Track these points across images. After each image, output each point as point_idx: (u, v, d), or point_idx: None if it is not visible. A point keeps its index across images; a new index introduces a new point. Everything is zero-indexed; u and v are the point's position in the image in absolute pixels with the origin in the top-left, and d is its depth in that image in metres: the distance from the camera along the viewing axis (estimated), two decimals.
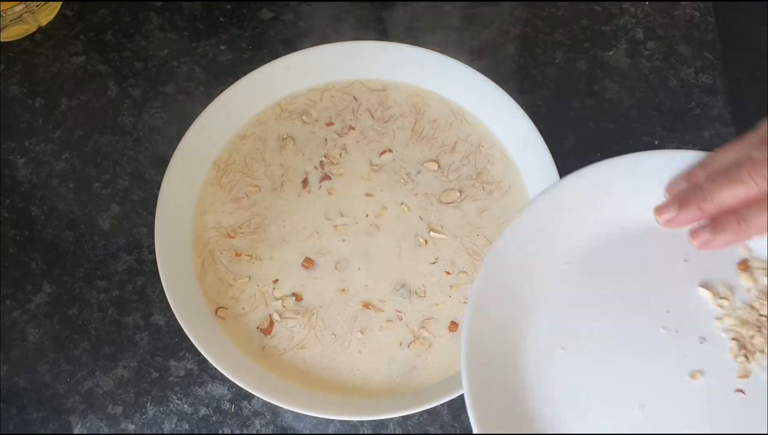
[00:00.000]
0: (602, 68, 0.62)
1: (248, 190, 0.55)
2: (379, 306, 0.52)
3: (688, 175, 0.42)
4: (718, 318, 0.42)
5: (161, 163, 0.55)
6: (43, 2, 0.62)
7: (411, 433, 0.51)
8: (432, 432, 0.51)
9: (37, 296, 0.55)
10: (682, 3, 0.65)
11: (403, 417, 0.51)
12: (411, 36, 0.63)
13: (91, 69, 0.63)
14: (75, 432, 0.52)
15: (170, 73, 0.62)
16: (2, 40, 0.63)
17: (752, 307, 0.42)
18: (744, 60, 0.62)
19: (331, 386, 0.50)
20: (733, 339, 0.41)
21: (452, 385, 0.48)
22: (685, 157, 0.43)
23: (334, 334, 0.51)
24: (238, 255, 0.53)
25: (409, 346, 0.51)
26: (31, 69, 0.63)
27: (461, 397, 0.49)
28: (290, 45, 0.63)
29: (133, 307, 0.55)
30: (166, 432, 0.51)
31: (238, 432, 0.51)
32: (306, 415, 0.50)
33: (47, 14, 0.64)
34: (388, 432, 0.51)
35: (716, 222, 0.41)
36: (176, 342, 0.54)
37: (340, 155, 0.56)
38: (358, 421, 0.51)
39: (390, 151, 0.57)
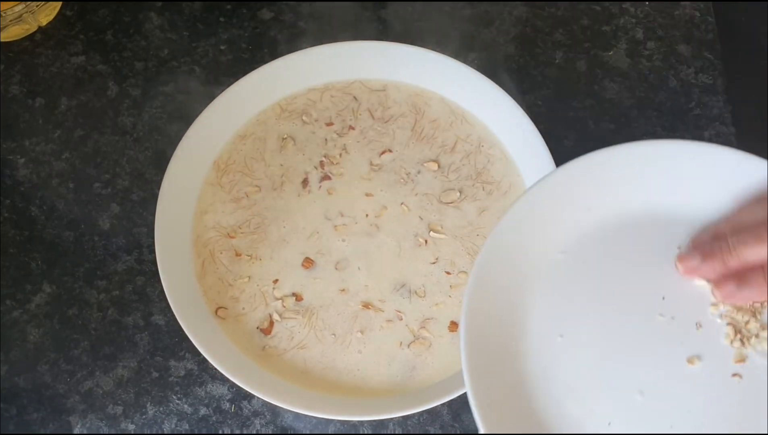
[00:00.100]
0: (602, 68, 0.62)
1: (248, 190, 0.55)
2: (379, 306, 0.52)
3: (715, 229, 0.42)
4: (714, 304, 0.42)
5: (161, 163, 0.55)
6: (43, 2, 0.62)
7: (411, 433, 0.51)
8: (432, 432, 0.51)
9: (37, 296, 0.55)
10: (682, 3, 0.65)
11: (403, 417, 0.51)
12: (411, 36, 0.63)
13: (91, 69, 0.63)
14: (75, 432, 0.52)
15: (170, 73, 0.62)
16: (2, 40, 0.63)
17: None
18: (744, 60, 0.62)
19: (331, 386, 0.50)
20: (729, 324, 0.41)
21: (452, 385, 0.48)
22: (678, 147, 0.44)
23: (334, 334, 0.51)
24: (238, 255, 0.53)
25: (409, 346, 0.51)
26: (31, 69, 0.63)
27: (461, 397, 0.49)
28: (290, 45, 0.63)
29: (133, 307, 0.55)
30: (166, 432, 0.51)
31: (238, 432, 0.51)
32: (306, 415, 0.50)
33: (47, 14, 0.64)
34: (388, 432, 0.51)
35: (742, 276, 0.41)
36: (176, 342, 0.54)
37: (340, 155, 0.56)
38: (358, 421, 0.51)
39: (390, 151, 0.57)
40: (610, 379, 0.41)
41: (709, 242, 0.41)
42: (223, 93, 0.56)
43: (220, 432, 0.51)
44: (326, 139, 0.57)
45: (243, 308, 0.52)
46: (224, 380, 0.52)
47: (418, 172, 0.56)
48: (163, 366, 0.53)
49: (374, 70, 0.59)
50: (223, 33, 0.64)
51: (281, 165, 0.56)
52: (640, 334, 0.41)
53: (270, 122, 0.58)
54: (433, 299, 0.52)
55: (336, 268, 0.53)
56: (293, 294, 0.52)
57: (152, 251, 0.52)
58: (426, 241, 0.54)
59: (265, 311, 0.52)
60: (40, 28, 0.64)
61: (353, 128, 0.57)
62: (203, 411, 0.52)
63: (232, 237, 0.54)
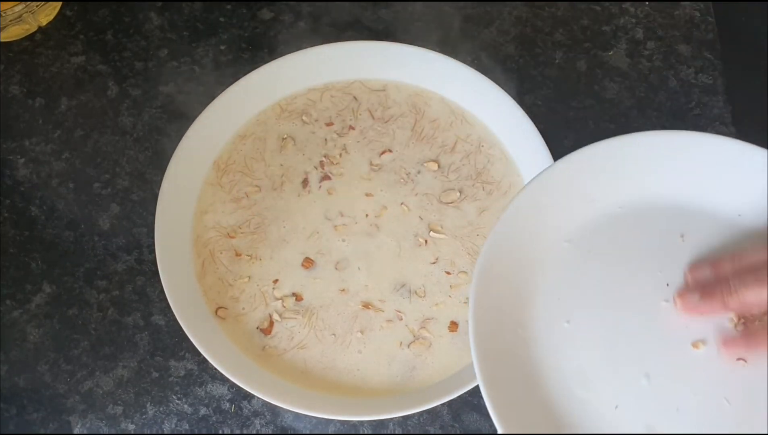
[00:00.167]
0: (602, 68, 0.62)
1: (248, 190, 0.55)
2: (379, 306, 0.52)
3: (715, 264, 0.42)
4: None
5: (161, 163, 0.55)
6: (43, 2, 0.62)
7: (411, 433, 0.51)
8: (432, 432, 0.51)
9: (37, 296, 0.55)
10: (682, 3, 0.65)
11: (403, 417, 0.51)
12: (411, 36, 0.63)
13: (91, 69, 0.63)
14: (75, 432, 0.52)
15: (170, 73, 0.62)
16: (2, 40, 0.63)
17: None
18: (744, 60, 0.62)
19: (331, 386, 0.50)
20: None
21: (452, 385, 0.48)
22: (681, 138, 0.44)
23: (334, 334, 0.51)
24: (238, 255, 0.53)
25: (409, 346, 0.51)
26: (31, 69, 0.63)
27: (461, 397, 0.49)
28: (290, 45, 0.63)
29: (133, 307, 0.55)
30: (166, 432, 0.51)
31: (238, 432, 0.51)
32: (306, 415, 0.50)
33: (47, 14, 0.64)
34: (388, 432, 0.51)
35: (745, 320, 0.41)
36: (176, 342, 0.54)
37: (340, 155, 0.56)
38: (358, 421, 0.51)
39: (390, 151, 0.57)
40: (617, 363, 0.41)
41: (710, 281, 0.41)
42: (223, 93, 0.56)
43: (220, 432, 0.51)
44: (326, 139, 0.57)
45: (243, 308, 0.52)
46: (224, 380, 0.52)
47: (418, 172, 0.56)
48: (163, 366, 0.53)
49: (374, 70, 0.59)
50: (223, 33, 0.64)
51: (281, 165, 0.56)
52: (645, 319, 0.42)
53: (270, 122, 0.58)
54: (433, 299, 0.52)
55: (336, 268, 0.53)
56: (293, 294, 0.52)
57: (152, 251, 0.52)
58: (426, 241, 0.54)
59: (265, 311, 0.52)
60: (40, 28, 0.64)
61: (353, 128, 0.57)
62: (203, 411, 0.52)
63: (232, 237, 0.54)
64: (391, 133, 0.57)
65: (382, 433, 0.51)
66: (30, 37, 0.64)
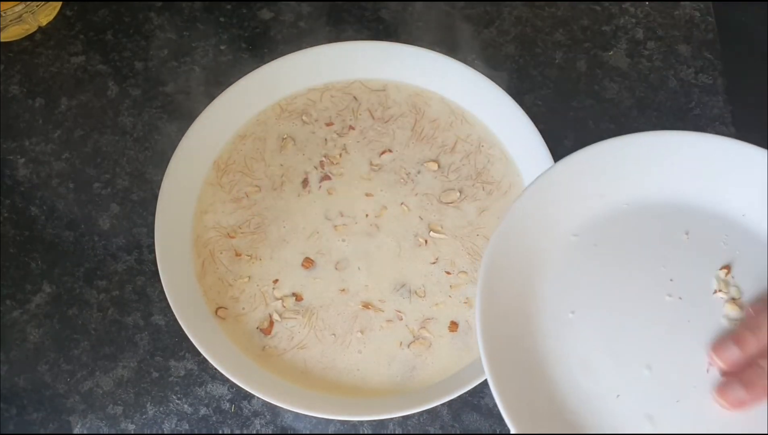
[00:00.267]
0: (602, 68, 0.62)
1: (248, 190, 0.55)
2: (379, 306, 0.52)
3: (739, 340, 0.41)
4: (719, 289, 0.44)
5: (161, 163, 0.55)
6: (43, 2, 0.62)
7: (411, 433, 0.51)
8: (432, 432, 0.51)
9: (37, 296, 0.55)
10: (682, 3, 0.65)
11: (403, 417, 0.51)
12: (411, 36, 0.63)
13: (91, 69, 0.63)
14: (75, 432, 0.52)
15: (170, 73, 0.62)
16: (2, 40, 0.63)
17: None
18: (744, 60, 0.62)
19: (331, 386, 0.50)
20: (734, 304, 0.43)
21: (452, 385, 0.48)
22: (691, 139, 0.45)
23: (334, 334, 0.51)
24: (238, 255, 0.53)
25: (409, 346, 0.51)
26: (31, 69, 0.63)
27: (461, 397, 0.49)
28: (290, 45, 0.63)
29: (133, 307, 0.55)
30: (166, 432, 0.51)
31: (238, 432, 0.51)
32: (306, 415, 0.50)
33: (47, 14, 0.64)
34: (388, 432, 0.51)
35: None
36: (176, 342, 0.54)
37: (340, 155, 0.56)
38: (358, 421, 0.51)
39: (390, 151, 0.57)
40: (619, 353, 0.42)
41: (740, 362, 0.41)
42: (223, 93, 0.56)
43: (220, 432, 0.51)
44: (326, 139, 0.57)
45: (243, 308, 0.52)
46: (224, 380, 0.52)
47: (418, 172, 0.56)
48: (163, 366, 0.53)
49: (374, 70, 0.59)
50: (223, 33, 0.64)
51: (281, 165, 0.56)
52: (648, 312, 0.43)
53: (270, 122, 0.58)
54: (433, 299, 0.52)
55: (336, 268, 0.53)
56: (293, 294, 0.52)
57: (152, 251, 0.52)
58: (426, 241, 0.54)
59: (265, 311, 0.52)
60: (40, 28, 0.64)
61: (353, 128, 0.57)
62: (203, 411, 0.52)
63: (232, 237, 0.54)
64: (391, 133, 0.57)
65: (382, 433, 0.51)
66: (30, 37, 0.64)
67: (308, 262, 0.53)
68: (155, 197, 0.52)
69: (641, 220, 0.46)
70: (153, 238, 0.51)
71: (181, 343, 0.53)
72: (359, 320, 0.51)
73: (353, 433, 0.51)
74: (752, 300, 0.43)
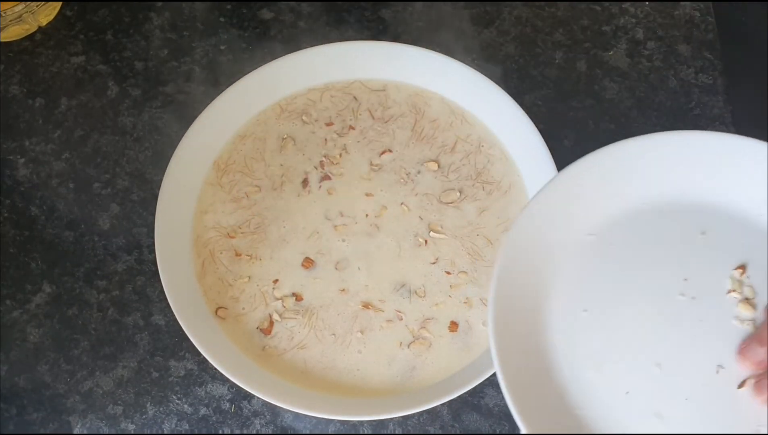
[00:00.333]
0: (602, 68, 0.62)
1: (248, 190, 0.55)
2: (379, 306, 0.52)
3: (759, 337, 0.42)
4: (732, 290, 0.44)
5: (161, 163, 0.55)
6: (43, 2, 0.62)
7: (411, 433, 0.51)
8: (432, 432, 0.51)
9: (37, 296, 0.55)
10: (682, 3, 0.65)
11: (403, 417, 0.51)
12: (411, 36, 0.63)
13: (91, 69, 0.63)
14: (75, 432, 0.52)
15: (170, 73, 0.62)
16: (2, 40, 0.63)
17: None
18: (744, 60, 0.62)
19: (331, 386, 0.50)
20: (747, 303, 0.43)
21: (452, 385, 0.48)
22: (712, 138, 0.45)
23: (334, 334, 0.51)
24: (238, 255, 0.53)
25: (409, 346, 0.51)
26: (31, 69, 0.63)
27: (461, 397, 0.49)
28: (290, 45, 0.63)
29: (133, 307, 0.55)
30: (166, 432, 0.51)
31: (238, 432, 0.51)
32: (306, 415, 0.50)
33: (47, 14, 0.64)
34: (388, 432, 0.51)
35: None
36: (176, 342, 0.54)
37: (340, 155, 0.56)
38: (358, 421, 0.51)
39: (390, 151, 0.57)
40: (630, 351, 0.43)
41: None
42: (223, 93, 0.56)
43: (220, 432, 0.51)
44: (326, 139, 0.57)
45: (243, 308, 0.52)
46: (224, 380, 0.52)
47: (418, 172, 0.56)
48: (163, 366, 0.53)
49: (374, 70, 0.59)
50: (223, 33, 0.64)
51: (281, 165, 0.56)
52: (661, 310, 0.43)
53: (270, 122, 0.58)
54: (433, 299, 0.52)
55: (336, 268, 0.53)
56: (293, 294, 0.52)
57: (152, 251, 0.52)
58: (426, 241, 0.54)
59: (265, 311, 0.52)
60: (40, 28, 0.64)
61: (353, 128, 0.57)
62: (203, 411, 0.52)
63: (232, 237, 0.54)
64: (391, 133, 0.57)
65: (382, 433, 0.51)
66: (30, 37, 0.64)
67: (308, 262, 0.53)
68: (155, 197, 0.52)
69: (658, 219, 0.46)
70: (153, 238, 0.51)
71: (181, 343, 0.53)
72: (359, 320, 0.51)
73: (353, 433, 0.51)
74: None
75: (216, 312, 0.52)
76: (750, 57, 0.62)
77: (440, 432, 0.51)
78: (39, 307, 0.55)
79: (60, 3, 0.65)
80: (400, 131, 0.57)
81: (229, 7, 0.65)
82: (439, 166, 0.56)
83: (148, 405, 0.52)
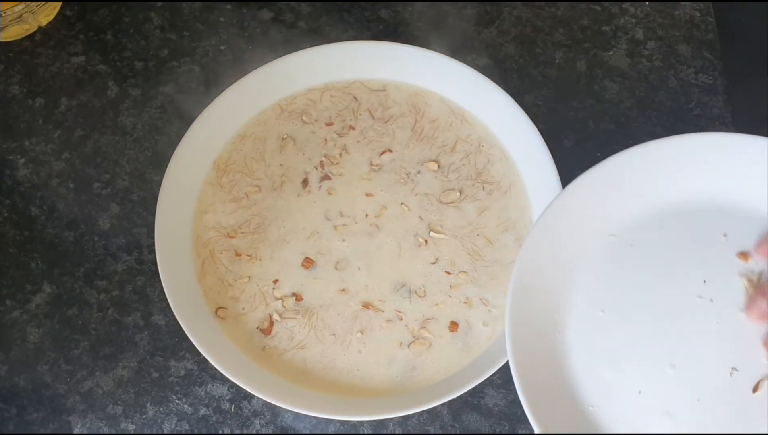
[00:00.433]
0: (602, 68, 0.62)
1: (248, 190, 0.55)
2: (379, 306, 0.52)
3: (762, 290, 0.42)
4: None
5: (161, 163, 0.55)
6: (43, 2, 0.62)
7: (411, 433, 0.51)
8: (432, 432, 0.51)
9: (37, 296, 0.55)
10: (682, 3, 0.64)
11: (403, 417, 0.51)
12: (411, 36, 0.63)
13: (91, 69, 0.63)
14: (75, 432, 0.52)
15: (170, 73, 0.62)
16: (2, 40, 0.63)
17: None
18: (744, 60, 0.62)
19: (331, 386, 0.50)
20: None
21: (452, 385, 0.48)
22: (737, 140, 0.45)
23: (334, 334, 0.51)
24: (238, 255, 0.53)
25: (409, 346, 0.51)
26: (31, 69, 0.63)
27: (461, 397, 0.49)
28: (290, 45, 0.63)
29: (133, 307, 0.55)
30: (166, 432, 0.51)
31: (238, 432, 0.51)
32: (306, 415, 0.50)
33: (47, 14, 0.64)
34: (388, 432, 0.51)
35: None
36: (176, 342, 0.54)
37: (340, 155, 0.56)
38: (358, 421, 0.51)
39: (390, 151, 0.57)
40: (645, 351, 0.43)
41: None
42: (223, 93, 0.56)
43: (220, 432, 0.51)
44: (326, 139, 0.57)
45: (243, 308, 0.52)
46: (224, 380, 0.52)
47: (418, 172, 0.56)
48: (163, 366, 0.53)
49: (374, 70, 0.59)
50: (223, 33, 0.64)
51: (281, 165, 0.56)
52: (677, 311, 0.44)
53: (270, 122, 0.58)
54: (433, 299, 0.52)
55: (336, 268, 0.53)
56: (293, 294, 0.52)
57: (152, 251, 0.52)
58: (426, 241, 0.54)
59: (265, 311, 0.52)
60: (40, 28, 0.64)
61: (353, 128, 0.57)
62: (203, 411, 0.52)
63: (232, 237, 0.54)
64: (391, 133, 0.57)
65: (382, 433, 0.51)
66: (30, 37, 0.64)
67: (308, 262, 0.53)
68: (155, 197, 0.52)
69: (680, 220, 0.46)
70: (153, 238, 0.51)
71: (181, 343, 0.53)
72: (359, 320, 0.51)
73: (353, 433, 0.51)
74: None
75: (216, 312, 0.52)
76: (750, 57, 0.62)
77: (440, 432, 0.51)
78: (39, 307, 0.55)
79: (60, 3, 0.65)
80: (400, 131, 0.57)
81: (229, 7, 0.65)
82: (439, 166, 0.56)
83: (148, 405, 0.52)
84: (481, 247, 0.53)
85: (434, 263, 0.53)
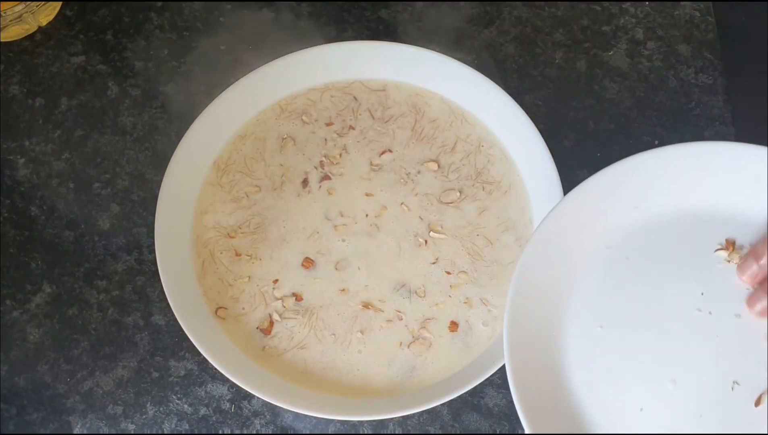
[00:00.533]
0: (602, 68, 0.62)
1: (248, 190, 0.55)
2: (379, 306, 0.52)
3: (755, 252, 0.42)
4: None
5: (161, 163, 0.55)
6: (43, 2, 0.62)
7: (411, 433, 0.51)
8: (432, 432, 0.51)
9: (37, 296, 0.55)
10: (682, 3, 0.65)
11: (403, 417, 0.51)
12: (412, 36, 0.63)
13: (91, 69, 0.63)
14: (75, 432, 0.52)
15: (170, 73, 0.62)
16: (2, 40, 0.63)
17: None
18: (744, 60, 0.62)
19: (331, 386, 0.50)
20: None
21: (452, 385, 0.48)
22: (730, 149, 0.45)
23: (334, 334, 0.51)
24: (238, 255, 0.53)
25: (409, 346, 0.51)
26: (31, 69, 0.63)
27: (461, 397, 0.49)
28: (290, 45, 0.63)
29: (133, 307, 0.55)
30: (166, 432, 0.51)
31: (238, 432, 0.51)
32: (306, 415, 0.50)
33: (47, 14, 0.64)
34: (388, 432, 0.51)
35: None
36: (176, 342, 0.54)
37: (340, 155, 0.56)
38: (358, 421, 0.51)
39: (390, 151, 0.57)
40: (645, 367, 0.42)
41: (760, 274, 0.42)
42: (223, 93, 0.56)
43: (220, 432, 0.51)
44: (326, 139, 0.57)
45: (243, 308, 0.52)
46: (224, 380, 0.52)
47: (418, 172, 0.56)
48: (163, 366, 0.53)
49: (374, 70, 0.59)
50: (223, 33, 0.64)
51: (281, 165, 0.56)
52: (677, 326, 0.43)
53: (270, 122, 0.58)
54: (433, 299, 0.52)
55: (336, 268, 0.53)
56: (293, 294, 0.52)
57: (152, 251, 0.52)
58: (426, 241, 0.54)
59: (265, 311, 0.52)
60: (40, 28, 0.64)
61: (353, 128, 0.57)
62: (203, 411, 0.52)
63: (232, 237, 0.54)
64: (391, 133, 0.57)
65: (382, 433, 0.51)
66: (30, 37, 0.64)
67: (308, 262, 0.53)
68: (155, 197, 0.52)
69: (676, 232, 0.45)
70: (153, 238, 0.51)
71: (181, 343, 0.53)
72: (359, 320, 0.51)
73: (353, 433, 0.51)
74: None
75: (216, 312, 0.52)
76: (750, 57, 0.62)
77: (440, 432, 0.51)
78: (39, 307, 0.55)
79: (60, 3, 0.65)
80: (400, 131, 0.57)
81: (229, 7, 0.65)
82: (439, 166, 0.56)
83: (148, 405, 0.52)
84: (481, 247, 0.53)
85: (434, 263, 0.53)
